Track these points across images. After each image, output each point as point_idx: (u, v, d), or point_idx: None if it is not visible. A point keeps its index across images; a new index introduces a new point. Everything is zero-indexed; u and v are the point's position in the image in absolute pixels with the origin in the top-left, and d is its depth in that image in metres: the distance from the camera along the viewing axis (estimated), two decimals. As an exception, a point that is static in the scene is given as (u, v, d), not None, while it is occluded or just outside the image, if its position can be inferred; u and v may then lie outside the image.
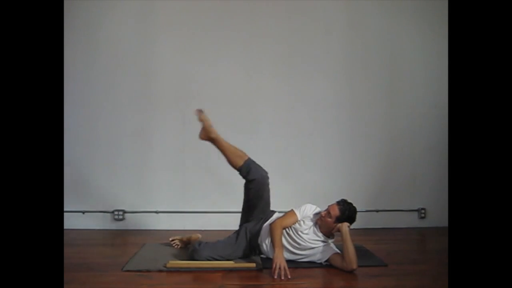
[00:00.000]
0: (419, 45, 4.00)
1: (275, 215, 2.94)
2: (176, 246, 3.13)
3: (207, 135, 2.96)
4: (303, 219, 2.78)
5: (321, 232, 2.75)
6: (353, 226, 2.75)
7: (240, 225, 2.97)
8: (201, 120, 2.94)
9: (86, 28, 3.83)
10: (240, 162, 2.87)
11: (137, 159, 3.86)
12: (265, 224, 2.87)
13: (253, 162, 2.89)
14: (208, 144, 3.87)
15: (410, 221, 3.97)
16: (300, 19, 3.95)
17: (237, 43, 3.92)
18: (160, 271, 2.58)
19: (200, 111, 2.95)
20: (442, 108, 3.84)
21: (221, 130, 3.88)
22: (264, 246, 2.82)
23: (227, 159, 2.92)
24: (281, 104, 3.96)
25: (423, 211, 3.99)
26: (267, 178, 2.89)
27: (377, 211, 3.94)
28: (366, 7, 3.97)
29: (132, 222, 3.84)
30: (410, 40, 4.00)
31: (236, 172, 3.88)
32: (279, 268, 2.48)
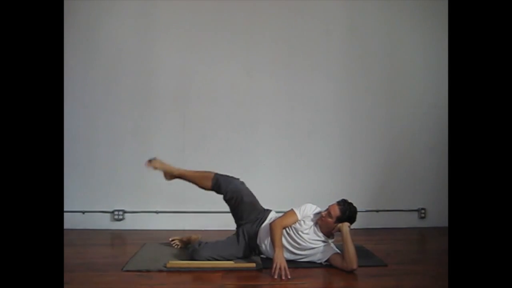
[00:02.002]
0: (419, 45, 4.00)
1: (272, 214, 2.94)
2: (176, 246, 3.13)
3: (171, 176, 3.05)
4: (303, 219, 2.78)
5: (322, 232, 2.75)
6: (353, 226, 2.75)
7: (237, 227, 2.97)
8: (156, 168, 3.03)
9: (86, 28, 3.83)
10: (209, 183, 2.93)
11: (137, 159, 3.85)
12: (263, 225, 2.87)
13: (221, 176, 2.94)
14: (208, 144, 3.91)
15: (410, 221, 3.97)
16: (300, 19, 3.95)
17: (237, 43, 3.92)
18: (160, 271, 2.58)
19: (149, 162, 3.04)
20: (442, 108, 3.85)
21: (221, 130, 3.92)
22: (264, 246, 2.82)
23: (197, 186, 2.99)
24: (281, 104, 3.96)
25: (423, 211, 3.99)
26: (241, 183, 2.94)
27: (377, 211, 3.94)
28: (366, 7, 3.97)
29: (132, 222, 3.84)
30: (410, 40, 4.00)
31: (236, 173, 3.89)
32: (279, 268, 2.48)
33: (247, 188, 2.95)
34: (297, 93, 3.96)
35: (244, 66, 3.93)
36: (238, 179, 2.96)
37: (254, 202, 2.95)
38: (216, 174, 2.94)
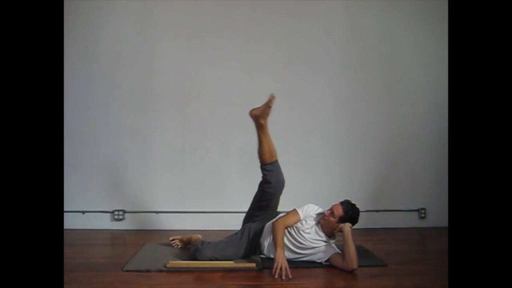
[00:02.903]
0: (419, 45, 4.00)
1: (279, 216, 2.94)
2: (176, 246, 3.12)
3: (260, 115, 2.86)
4: (305, 219, 2.79)
5: (323, 232, 2.76)
6: (353, 226, 2.75)
7: (243, 224, 2.97)
8: (270, 102, 2.84)
9: (86, 28, 3.83)
10: (268, 160, 2.85)
11: (137, 159, 3.86)
12: (269, 222, 2.88)
13: (278, 166, 2.88)
14: (208, 144, 3.90)
15: (410, 221, 3.97)
16: (300, 19, 3.95)
17: (237, 43, 3.92)
18: (160, 271, 2.58)
19: (273, 96, 2.85)
20: (442, 108, 3.84)
21: (221, 130, 3.92)
22: (265, 244, 2.83)
23: (260, 149, 2.88)
24: (281, 104, 3.93)
25: (423, 211, 3.99)
26: (283, 185, 2.90)
27: (377, 211, 3.94)
28: (366, 7, 3.97)
29: (132, 222, 3.84)
30: (410, 40, 4.00)
31: (236, 173, 3.90)
32: (280, 268, 2.48)
33: (282, 192, 2.92)
34: (297, 93, 3.95)
35: (244, 66, 3.93)
36: (285, 181, 2.90)
37: (277, 206, 2.96)
38: (278, 161, 2.87)
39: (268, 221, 2.89)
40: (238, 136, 3.91)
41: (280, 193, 2.90)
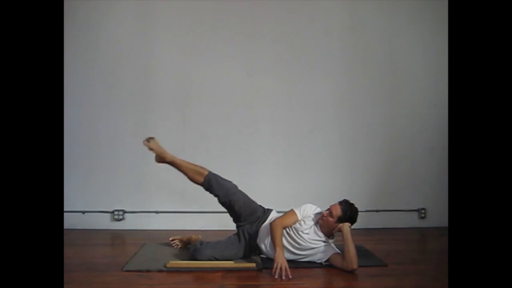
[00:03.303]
0: (419, 45, 4.00)
1: (273, 214, 2.94)
2: (176, 246, 3.13)
3: (162, 160, 2.99)
4: (304, 219, 2.78)
5: (322, 232, 2.75)
6: (353, 226, 2.75)
7: (237, 227, 2.97)
8: (150, 149, 2.95)
9: (86, 28, 3.83)
10: (200, 179, 2.90)
11: (137, 159, 3.86)
12: (264, 224, 2.87)
13: (214, 176, 2.91)
14: (208, 144, 3.91)
15: (410, 221, 3.97)
16: (300, 19, 3.95)
17: (237, 43, 3.92)
18: (160, 271, 2.58)
19: (147, 141, 2.96)
20: (442, 108, 3.85)
21: (221, 130, 3.92)
22: (263, 246, 2.82)
23: (188, 177, 2.95)
24: (281, 104, 3.96)
25: (423, 211, 3.99)
26: (233, 187, 2.92)
27: (377, 211, 3.94)
28: (366, 7, 3.97)
29: (132, 222, 3.84)
30: (410, 40, 4.00)
31: (236, 173, 3.89)
32: (280, 268, 2.48)
33: (240, 192, 2.93)
34: (297, 93, 3.96)
35: (244, 66, 3.93)
36: (230, 182, 2.94)
37: (249, 206, 2.94)
38: (210, 173, 2.91)
39: (261, 221, 2.89)
40: (238, 136, 3.92)
41: (238, 193, 2.91)
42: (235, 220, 2.98)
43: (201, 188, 3.82)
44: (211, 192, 2.92)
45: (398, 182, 3.99)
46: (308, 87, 3.96)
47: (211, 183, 2.88)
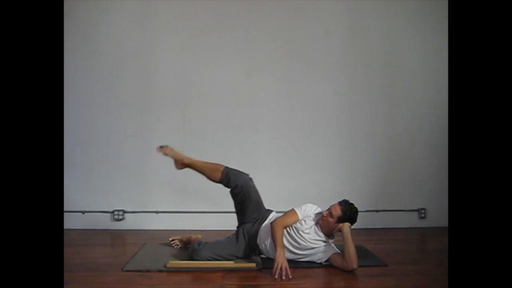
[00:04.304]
0: (419, 45, 4.00)
1: (273, 215, 2.94)
2: (176, 246, 3.13)
3: (181, 164, 3.04)
4: (304, 219, 2.79)
5: (322, 232, 2.76)
6: (353, 226, 2.75)
7: (238, 226, 2.97)
8: (166, 155, 3.02)
9: (86, 28, 3.83)
10: (219, 175, 2.90)
11: (137, 159, 3.86)
12: (264, 224, 2.87)
13: (231, 170, 2.91)
14: (208, 144, 3.90)
15: (410, 221, 3.97)
16: (300, 19, 3.95)
17: (237, 43, 3.92)
18: (160, 271, 2.58)
19: (161, 148, 3.03)
20: (442, 108, 3.85)
21: (221, 130, 3.92)
22: (264, 246, 2.82)
23: (206, 177, 2.96)
24: (281, 104, 3.96)
25: (423, 211, 3.99)
26: (250, 179, 2.92)
27: (377, 211, 3.94)
28: (366, 7, 3.97)
29: (132, 222, 3.84)
30: (410, 40, 4.00)
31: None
32: (280, 268, 2.48)
33: (254, 186, 2.93)
34: (297, 93, 3.96)
35: (244, 66, 3.93)
36: (247, 174, 2.93)
37: (259, 201, 2.95)
38: (226, 167, 2.91)
39: (261, 221, 2.89)
40: (238, 136, 3.92)
41: (252, 186, 2.91)
42: (239, 216, 2.96)
43: (200, 188, 3.86)
44: (229, 185, 2.89)
45: (398, 182, 3.99)
46: (308, 87, 3.96)
47: (229, 175, 2.87)
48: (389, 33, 3.99)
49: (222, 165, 2.92)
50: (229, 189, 2.93)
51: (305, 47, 3.95)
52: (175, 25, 3.90)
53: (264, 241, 2.82)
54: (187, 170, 3.84)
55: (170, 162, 3.86)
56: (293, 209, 2.83)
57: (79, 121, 3.82)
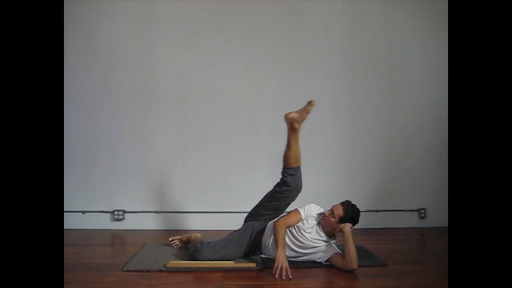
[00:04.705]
0: (419, 45, 4.00)
1: (280, 215, 2.95)
2: (176, 246, 3.13)
3: (296, 119, 2.81)
4: (307, 218, 2.80)
5: (324, 231, 2.76)
6: (354, 226, 2.75)
7: (246, 221, 2.97)
8: (309, 107, 2.82)
9: (86, 28, 3.83)
10: (293, 164, 2.82)
11: (137, 159, 3.86)
12: (270, 222, 2.89)
13: (300, 172, 2.86)
14: (208, 144, 3.90)
15: (410, 221, 3.97)
16: (300, 19, 3.95)
17: (237, 43, 3.92)
18: (160, 271, 2.58)
19: (313, 102, 2.83)
20: (442, 108, 3.85)
21: (221, 130, 3.92)
22: (266, 243, 2.83)
23: (287, 152, 2.84)
24: (281, 104, 3.93)
25: (423, 211, 3.99)
26: (300, 191, 2.88)
27: (377, 211, 3.94)
28: (366, 7, 3.97)
29: (132, 222, 3.84)
30: (410, 40, 4.00)
31: (236, 173, 3.90)
32: (281, 268, 2.49)
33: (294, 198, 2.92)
34: (297, 93, 3.94)
35: (244, 66, 3.93)
36: (302, 187, 2.89)
37: (283, 211, 2.97)
38: (300, 167, 2.85)
39: (271, 219, 2.90)
40: (238, 136, 3.92)
41: (295, 198, 2.89)
42: (258, 213, 2.93)
43: (200, 188, 3.86)
44: (287, 178, 2.81)
45: (398, 182, 3.99)
46: (308, 87, 3.95)
47: (296, 173, 2.82)
48: (389, 33, 3.99)
49: (300, 163, 2.85)
50: (279, 181, 2.87)
51: (305, 47, 3.95)
52: (175, 25, 3.89)
53: (267, 238, 2.83)
54: (187, 170, 3.88)
55: (170, 162, 3.89)
56: (296, 208, 2.84)
57: (79, 121, 3.82)
